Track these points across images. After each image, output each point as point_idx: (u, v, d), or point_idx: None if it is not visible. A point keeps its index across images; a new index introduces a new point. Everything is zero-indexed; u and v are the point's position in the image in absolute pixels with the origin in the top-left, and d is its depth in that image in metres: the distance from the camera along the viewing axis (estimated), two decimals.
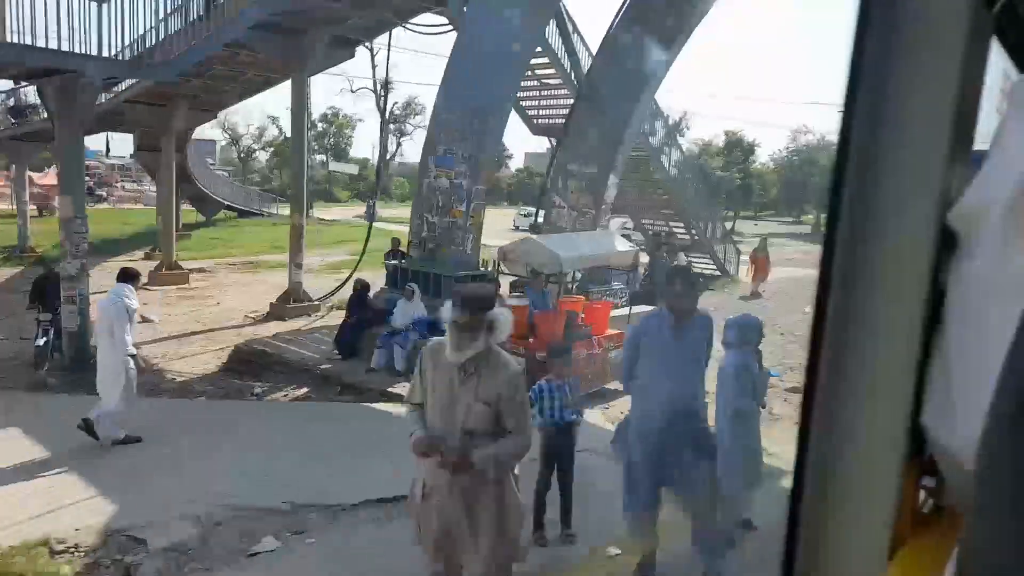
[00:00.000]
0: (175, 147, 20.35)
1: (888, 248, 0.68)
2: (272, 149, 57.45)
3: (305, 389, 10.33)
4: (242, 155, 57.96)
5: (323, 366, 10.69)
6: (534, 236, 11.70)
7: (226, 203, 37.51)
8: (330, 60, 15.58)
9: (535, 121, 18.20)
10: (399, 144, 57.56)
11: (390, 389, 9.71)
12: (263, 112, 65.10)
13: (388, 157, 49.74)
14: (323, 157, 57.02)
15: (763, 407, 5.70)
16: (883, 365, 0.70)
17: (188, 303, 17.02)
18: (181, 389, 10.38)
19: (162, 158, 20.05)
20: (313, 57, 14.01)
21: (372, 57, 45.72)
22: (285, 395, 10.21)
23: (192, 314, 15.69)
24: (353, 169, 57.05)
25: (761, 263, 20.76)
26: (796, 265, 29.83)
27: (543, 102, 18.06)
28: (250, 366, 11.16)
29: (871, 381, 0.69)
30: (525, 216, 45.65)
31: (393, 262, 12.31)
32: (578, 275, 12.31)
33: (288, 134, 54.52)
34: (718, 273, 22.43)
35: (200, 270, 21.88)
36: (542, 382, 5.31)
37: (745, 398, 5.09)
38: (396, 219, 46.37)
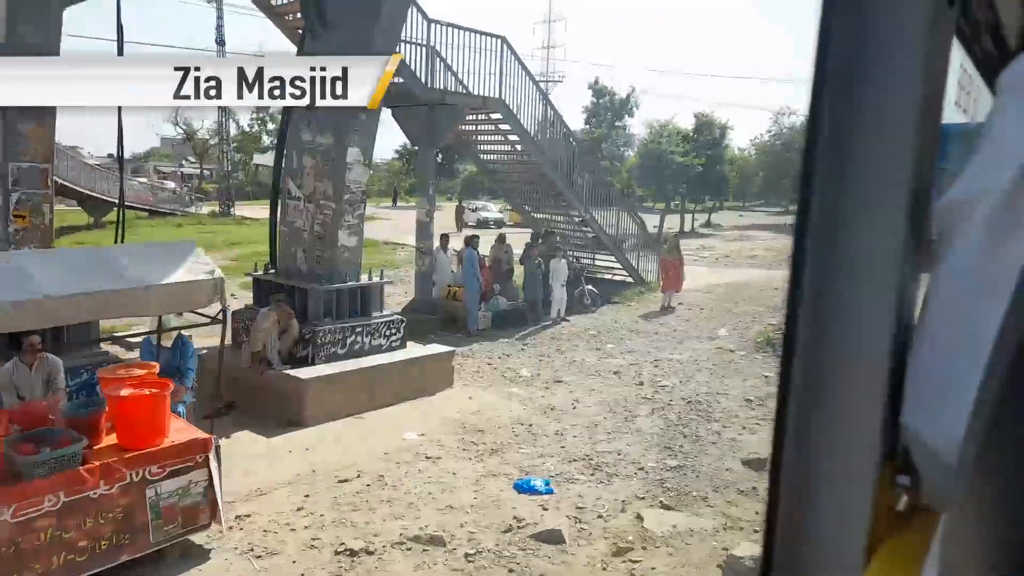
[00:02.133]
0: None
1: (860, 245, 0.68)
2: (234, 144, 54.02)
3: None
4: (197, 151, 54.25)
5: None
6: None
7: (117, 203, 35.11)
8: None
9: None
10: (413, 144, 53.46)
11: None
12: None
13: None
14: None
15: None
16: (858, 363, 0.70)
17: None
18: None
19: None
20: None
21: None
22: None
23: None
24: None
25: (672, 269, 16.51)
26: (758, 264, 25.89)
27: None
28: None
29: (847, 379, 0.70)
30: (474, 210, 41.82)
31: (259, 273, 10.38)
32: None
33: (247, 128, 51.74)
34: (630, 280, 18.22)
35: None
36: None
37: None
38: None
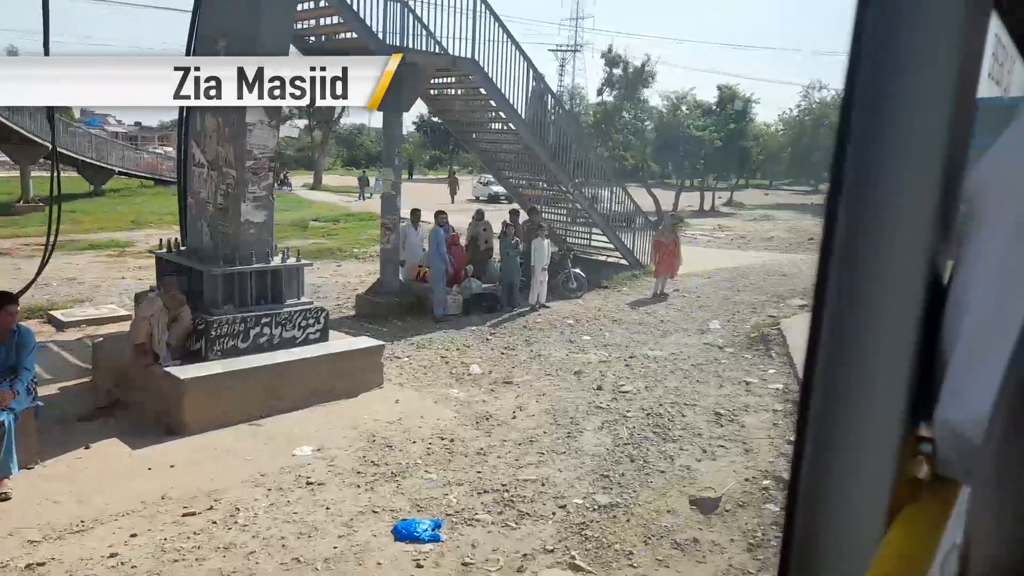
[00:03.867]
0: None
1: (890, 222, 0.69)
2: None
3: None
4: None
5: None
6: None
7: (119, 170, 37.09)
8: None
9: None
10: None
11: None
12: None
13: (335, 117, 44.48)
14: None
15: None
16: (885, 335, 0.71)
17: None
18: None
19: None
20: None
21: None
22: None
23: None
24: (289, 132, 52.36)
25: (667, 251, 15.04)
26: (773, 247, 24.27)
27: None
28: None
29: (873, 350, 0.71)
30: (485, 184, 40.50)
31: (162, 251, 9.10)
32: None
33: None
34: (625, 262, 16.79)
35: None
36: None
37: None
38: (337, 188, 42.42)
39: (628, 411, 7.94)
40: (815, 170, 50.54)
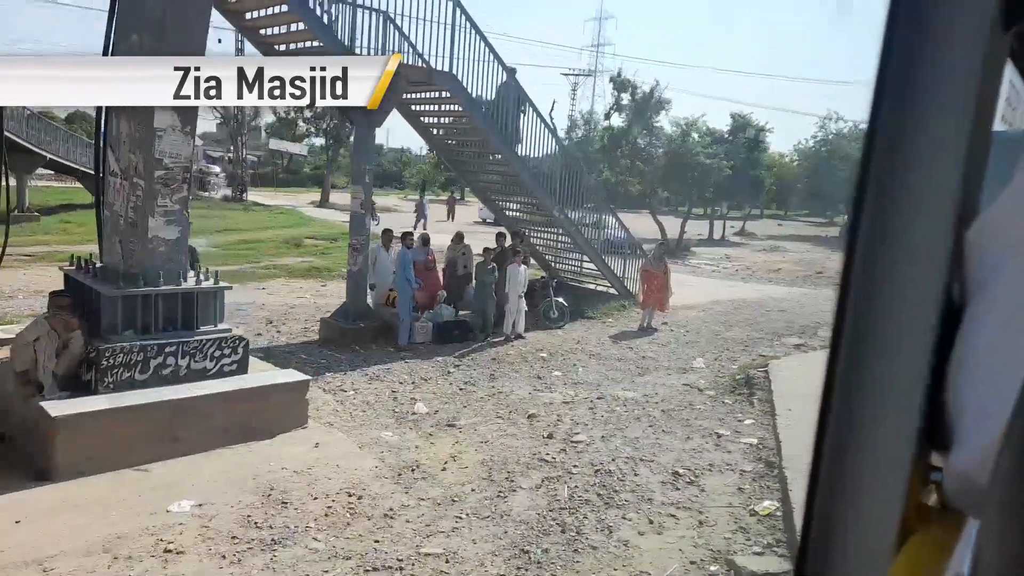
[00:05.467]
0: None
1: (908, 251, 0.72)
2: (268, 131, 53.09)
3: None
4: (233, 134, 53.14)
5: None
6: None
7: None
8: None
9: None
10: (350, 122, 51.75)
11: None
12: None
13: (348, 135, 43.95)
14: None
15: None
16: (900, 363, 0.72)
17: None
18: None
19: None
20: None
21: None
22: None
23: None
24: (300, 149, 51.91)
25: (655, 282, 14.09)
26: (779, 280, 23.26)
27: None
28: None
29: (887, 379, 0.72)
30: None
31: (70, 268, 8.25)
32: None
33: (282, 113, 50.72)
34: (613, 291, 15.88)
35: None
36: None
37: None
38: (346, 207, 41.82)
39: (575, 466, 6.96)
40: (830, 201, 49.41)
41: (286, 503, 5.91)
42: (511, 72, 13.35)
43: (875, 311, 0.72)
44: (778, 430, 7.83)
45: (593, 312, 15.00)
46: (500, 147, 13.27)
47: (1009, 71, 0.90)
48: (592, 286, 16.41)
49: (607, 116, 32.98)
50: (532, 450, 7.36)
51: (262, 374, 7.68)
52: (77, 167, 33.18)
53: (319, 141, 52.60)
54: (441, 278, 14.00)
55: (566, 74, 55.90)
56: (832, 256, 31.16)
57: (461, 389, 9.85)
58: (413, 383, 10.03)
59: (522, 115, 13.70)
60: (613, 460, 7.11)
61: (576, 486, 6.51)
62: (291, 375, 7.84)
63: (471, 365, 11.18)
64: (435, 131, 14.95)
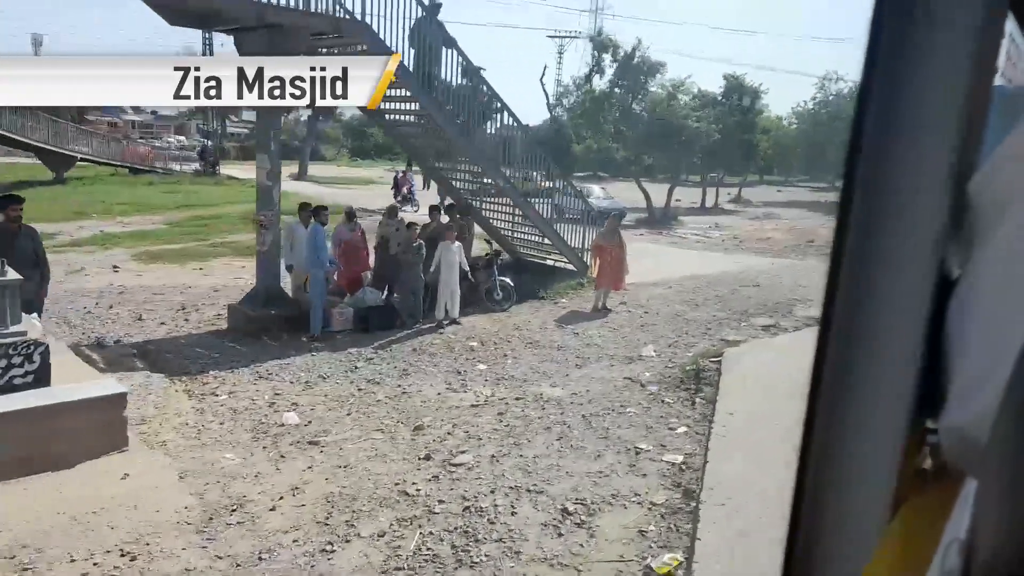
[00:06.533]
0: None
1: (903, 215, 0.70)
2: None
3: None
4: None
5: None
6: None
7: (81, 157, 34.97)
8: None
9: None
10: None
11: None
12: None
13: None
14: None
15: None
16: (895, 327, 0.72)
17: None
18: None
19: None
20: None
21: None
22: None
23: None
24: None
25: (609, 257, 12.59)
26: (766, 250, 21.70)
27: None
28: None
29: (881, 341, 0.72)
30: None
31: None
32: None
33: None
34: (571, 267, 14.41)
35: None
36: None
37: None
38: (330, 179, 40.17)
39: (441, 501, 5.47)
40: (832, 166, 47.45)
41: (28, 569, 4.48)
42: (431, 7, 11.68)
43: (870, 271, 0.70)
44: (710, 443, 6.35)
45: (546, 292, 13.49)
46: (425, 104, 11.66)
47: (1009, 24, 0.84)
48: (551, 262, 14.89)
49: (587, 79, 31.13)
50: (398, 477, 5.89)
51: (67, 388, 6.20)
52: (36, 143, 31.76)
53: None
54: (371, 258, 12.50)
55: (552, 36, 53.43)
56: (827, 223, 29.46)
57: (360, 390, 8.40)
58: (306, 383, 8.59)
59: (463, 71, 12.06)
60: (492, 491, 5.63)
61: (431, 532, 5.04)
62: (104, 387, 6.36)
63: (387, 358, 9.73)
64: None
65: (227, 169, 41.59)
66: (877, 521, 0.75)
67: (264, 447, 6.54)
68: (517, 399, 8.09)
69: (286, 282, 11.70)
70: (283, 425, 7.12)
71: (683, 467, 6.10)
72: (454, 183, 14.75)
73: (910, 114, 0.68)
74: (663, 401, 8.04)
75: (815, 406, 0.73)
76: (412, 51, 11.59)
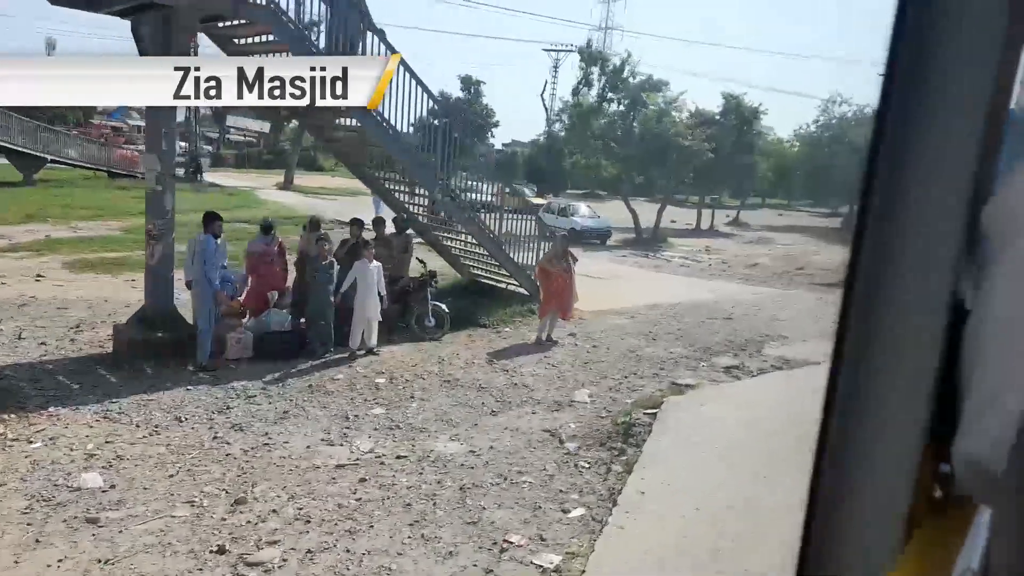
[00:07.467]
0: None
1: (917, 240, 0.69)
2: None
3: None
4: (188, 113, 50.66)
5: None
6: None
7: (51, 159, 33.46)
8: None
9: None
10: None
11: None
12: None
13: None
14: None
15: None
16: (908, 356, 0.71)
17: None
18: None
19: None
20: None
21: None
22: None
23: None
24: (261, 127, 49.15)
25: (557, 283, 11.13)
26: (752, 278, 20.45)
27: None
28: None
29: (896, 371, 0.71)
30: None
31: None
32: None
33: None
34: (525, 292, 12.95)
35: None
36: None
37: None
38: (316, 190, 38.69)
39: None
40: (835, 190, 45.84)
41: None
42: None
43: (883, 303, 0.69)
44: (603, 535, 4.82)
45: (488, 319, 12.00)
46: (363, 121, 10.20)
47: None
48: (503, 285, 13.41)
49: (574, 92, 29.71)
50: None
51: None
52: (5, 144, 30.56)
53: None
54: (288, 275, 11.01)
55: (547, 50, 52.11)
56: (823, 250, 27.90)
57: (216, 438, 6.91)
58: (155, 427, 7.11)
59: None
60: None
61: None
62: None
63: (273, 396, 8.24)
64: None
65: (218, 177, 40.40)
66: (890, 548, 0.73)
67: (28, 523, 5.04)
68: (398, 458, 6.58)
69: (186, 299, 10.22)
70: (77, 490, 5.62)
71: (557, 573, 4.57)
72: (396, 194, 13.31)
73: (925, 142, 0.67)
74: (576, 466, 6.52)
75: (828, 426, 0.73)
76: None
